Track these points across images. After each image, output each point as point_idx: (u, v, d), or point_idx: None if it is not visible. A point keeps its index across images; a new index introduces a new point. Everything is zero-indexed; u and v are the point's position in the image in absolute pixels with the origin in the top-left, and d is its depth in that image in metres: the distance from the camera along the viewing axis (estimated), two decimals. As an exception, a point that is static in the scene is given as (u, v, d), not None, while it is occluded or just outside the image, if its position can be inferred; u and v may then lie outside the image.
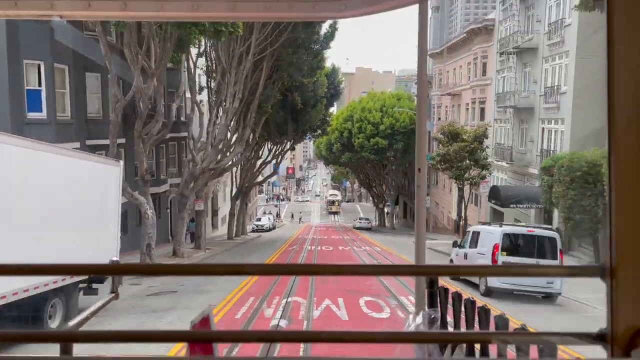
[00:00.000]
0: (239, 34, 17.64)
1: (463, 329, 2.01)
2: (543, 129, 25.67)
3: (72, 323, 1.41)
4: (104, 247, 10.94)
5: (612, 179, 0.74)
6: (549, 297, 13.45)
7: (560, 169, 20.49)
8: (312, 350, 6.84)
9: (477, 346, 1.78)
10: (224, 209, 41.23)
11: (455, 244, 17.05)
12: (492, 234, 13.81)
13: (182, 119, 28.11)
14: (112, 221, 11.71)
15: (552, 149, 24.56)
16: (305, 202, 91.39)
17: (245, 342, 1.14)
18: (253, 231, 43.22)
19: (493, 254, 13.23)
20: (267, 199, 78.22)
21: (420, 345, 1.71)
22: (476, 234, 15.12)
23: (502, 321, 1.73)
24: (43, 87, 16.61)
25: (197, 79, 23.65)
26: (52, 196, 9.42)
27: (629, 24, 0.75)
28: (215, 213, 40.41)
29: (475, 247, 14.73)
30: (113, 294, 1.79)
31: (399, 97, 46.56)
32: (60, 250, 9.42)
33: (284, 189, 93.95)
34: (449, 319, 2.16)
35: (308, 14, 1.99)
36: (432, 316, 1.91)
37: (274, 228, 48.69)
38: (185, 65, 21.48)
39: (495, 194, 25.51)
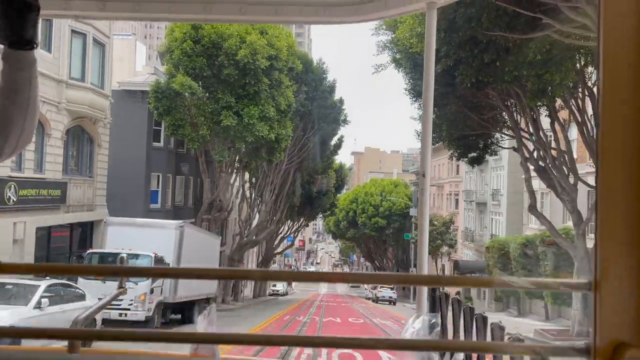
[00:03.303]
0: (281, 159, 29.63)
1: (461, 336, 2.08)
2: (492, 218, 36.91)
3: (82, 316, 1.35)
4: (214, 281, 22.00)
5: (598, 195, 0.75)
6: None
7: (492, 249, 31.47)
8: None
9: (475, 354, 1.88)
10: (248, 274, 51.93)
11: None
12: None
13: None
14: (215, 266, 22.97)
15: (497, 233, 35.59)
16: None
17: (245, 344, 0.89)
18: (270, 294, 53.57)
19: None
20: (280, 269, 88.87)
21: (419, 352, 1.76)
22: None
23: (498, 330, 1.78)
24: (159, 189, 28.43)
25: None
26: (200, 252, 20.69)
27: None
28: (240, 277, 51.22)
29: None
30: (121, 289, 1.85)
31: (396, 184, 58.40)
32: (201, 281, 20.51)
33: (295, 260, 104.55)
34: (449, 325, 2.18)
35: (318, 18, 2.07)
36: (432, 321, 1.86)
37: (287, 293, 58.89)
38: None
39: (457, 266, 36.27)
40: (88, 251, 17.68)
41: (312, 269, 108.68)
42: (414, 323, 1.81)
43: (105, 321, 14.24)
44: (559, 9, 12.22)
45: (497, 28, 13.62)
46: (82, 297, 13.11)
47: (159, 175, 28.48)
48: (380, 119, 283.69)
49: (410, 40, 14.77)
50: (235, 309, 30.61)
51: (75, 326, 1.34)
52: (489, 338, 1.60)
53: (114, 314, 15.21)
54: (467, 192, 41.80)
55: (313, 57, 36.64)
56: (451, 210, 45.59)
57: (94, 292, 14.03)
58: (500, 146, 23.49)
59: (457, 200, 45.57)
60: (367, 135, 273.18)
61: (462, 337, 2.04)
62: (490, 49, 14.49)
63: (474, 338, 1.96)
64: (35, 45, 1.28)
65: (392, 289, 47.06)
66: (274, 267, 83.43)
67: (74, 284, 14.03)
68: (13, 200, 16.76)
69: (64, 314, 11.16)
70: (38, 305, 10.87)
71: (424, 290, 2.07)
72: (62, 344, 1.39)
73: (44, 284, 11.85)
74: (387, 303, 42.29)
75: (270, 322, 23.34)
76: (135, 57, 37.05)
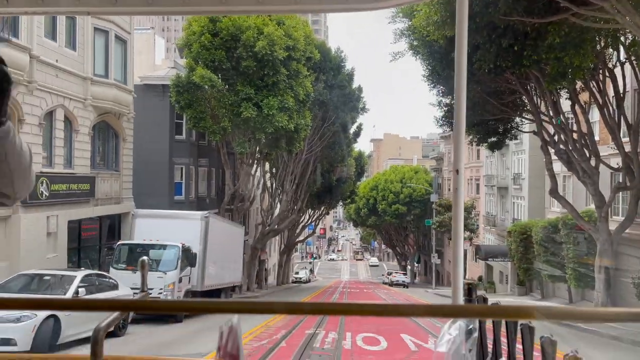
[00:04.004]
0: (301, 148, 29.94)
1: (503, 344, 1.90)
2: (513, 203, 36.74)
3: (103, 324, 1.34)
4: (239, 269, 22.58)
5: None
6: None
7: (514, 233, 31.40)
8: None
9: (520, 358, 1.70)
10: (270, 260, 52.70)
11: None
12: None
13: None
14: (240, 257, 23.47)
15: (519, 217, 35.44)
16: (335, 261, 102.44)
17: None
18: (293, 282, 54.32)
19: None
20: (301, 257, 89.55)
21: (456, 358, 1.67)
22: None
23: (549, 343, 1.59)
24: (183, 181, 29.03)
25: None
26: (225, 242, 21.22)
27: None
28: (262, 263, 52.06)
29: None
30: (144, 292, 1.83)
31: (416, 170, 58.32)
32: (226, 269, 21.06)
33: (316, 248, 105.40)
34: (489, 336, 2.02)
35: (338, 6, 1.92)
36: (470, 327, 1.78)
37: (309, 281, 59.60)
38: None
39: (479, 251, 36.28)
40: (118, 242, 18.31)
41: (334, 256, 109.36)
42: (450, 329, 1.70)
43: (137, 310, 14.80)
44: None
45: (514, 13, 13.63)
46: (115, 286, 13.69)
47: (182, 168, 29.05)
48: (399, 105, 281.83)
49: (427, 29, 14.85)
50: (259, 297, 31.28)
51: (99, 333, 1.31)
52: (537, 349, 1.41)
53: (145, 303, 15.79)
54: (488, 176, 41.58)
55: (330, 44, 36.73)
56: (472, 195, 45.42)
57: (125, 282, 14.64)
58: (520, 130, 23.41)
59: (478, 185, 45.37)
60: (386, 122, 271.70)
61: (503, 346, 1.80)
62: (508, 34, 14.50)
63: (519, 347, 1.71)
64: (3, 122, 1.19)
65: (404, 274, 55.59)
66: (296, 255, 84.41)
67: (107, 274, 14.65)
68: (45, 195, 17.42)
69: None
70: (76, 295, 11.43)
71: (460, 294, 1.98)
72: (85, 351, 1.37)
73: (80, 274, 12.44)
74: (401, 286, 47.47)
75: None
76: (155, 50, 37.55)
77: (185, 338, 13.89)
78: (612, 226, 19.06)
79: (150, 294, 16.12)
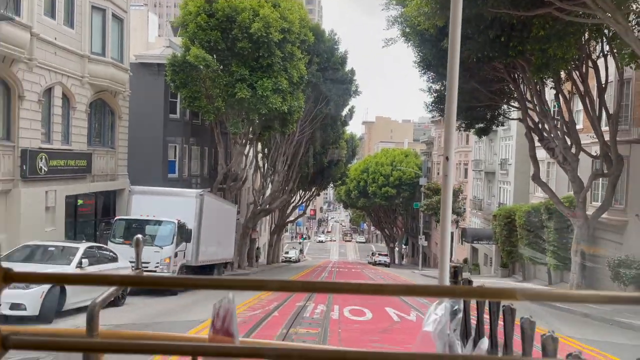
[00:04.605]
0: (294, 130, 30.58)
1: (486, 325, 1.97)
2: (500, 187, 37.76)
3: (99, 299, 1.34)
4: (231, 246, 23.38)
5: None
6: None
7: (499, 217, 32.44)
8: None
9: (501, 340, 1.75)
10: (261, 239, 53.59)
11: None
12: None
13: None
14: (232, 234, 24.23)
15: (504, 202, 36.50)
16: (324, 242, 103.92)
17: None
18: (283, 261, 55.39)
19: None
20: (291, 237, 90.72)
21: (441, 337, 1.71)
22: None
23: (528, 324, 1.64)
24: (177, 159, 29.60)
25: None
26: (218, 220, 21.95)
27: None
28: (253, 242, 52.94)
29: None
30: (138, 270, 1.81)
31: (406, 154, 59.19)
32: (219, 246, 21.82)
33: (306, 228, 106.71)
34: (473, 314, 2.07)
35: None
36: (455, 307, 1.85)
37: (299, 261, 60.73)
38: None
39: (464, 234, 37.38)
40: (116, 218, 18.96)
41: (323, 237, 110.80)
42: (436, 310, 1.78)
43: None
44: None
45: (501, 5, 14.28)
46: (114, 259, 14.40)
47: (175, 146, 29.60)
48: (391, 89, 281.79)
49: (418, 19, 15.46)
50: (250, 274, 32.16)
51: (94, 308, 1.32)
52: (517, 330, 1.50)
53: (142, 275, 16.56)
54: (476, 161, 42.56)
55: (324, 25, 37.05)
56: (460, 180, 46.50)
57: (122, 255, 15.36)
58: (507, 117, 24.21)
59: (466, 170, 46.41)
60: (378, 105, 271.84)
61: (486, 327, 1.91)
62: (495, 25, 15.17)
63: (500, 329, 1.79)
64: None
65: (386, 255, 61.29)
66: (286, 235, 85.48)
67: (107, 247, 15.34)
68: (44, 170, 17.98)
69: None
70: (79, 265, 12.15)
71: (446, 276, 2.05)
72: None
73: (82, 246, 13.12)
74: (383, 266, 53.38)
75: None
76: (148, 28, 37.61)
77: (181, 308, 14.70)
78: (589, 211, 20.02)
79: (145, 270, 16.84)
